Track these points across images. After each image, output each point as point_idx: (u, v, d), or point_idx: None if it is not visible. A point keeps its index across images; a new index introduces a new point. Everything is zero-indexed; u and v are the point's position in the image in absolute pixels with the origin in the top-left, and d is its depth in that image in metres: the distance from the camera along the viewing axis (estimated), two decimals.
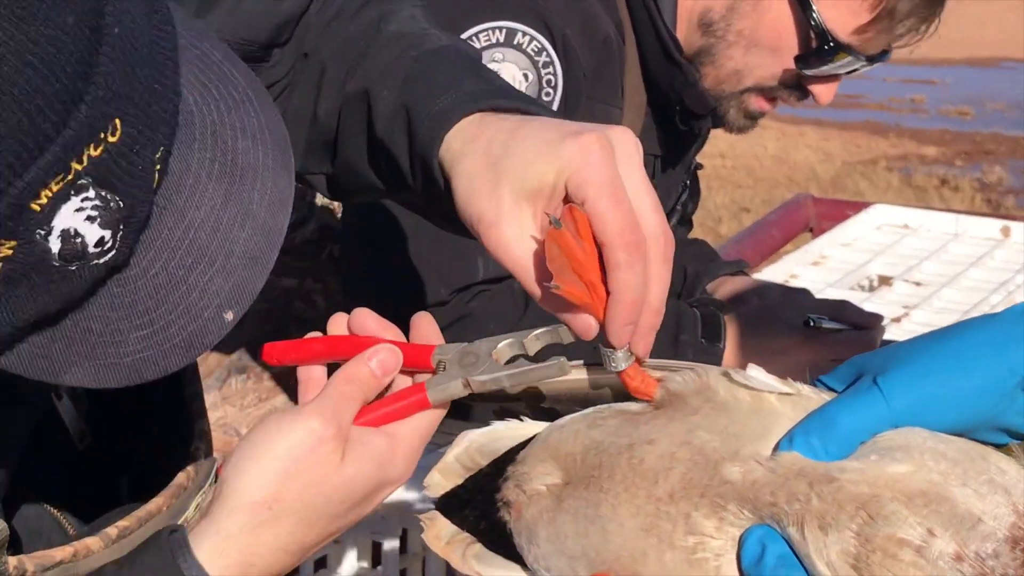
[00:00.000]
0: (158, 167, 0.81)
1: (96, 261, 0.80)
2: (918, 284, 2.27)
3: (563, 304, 0.98)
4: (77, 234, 0.77)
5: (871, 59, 1.76)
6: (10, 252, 0.76)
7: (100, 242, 0.79)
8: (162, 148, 0.81)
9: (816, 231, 2.60)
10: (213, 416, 1.82)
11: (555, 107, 1.65)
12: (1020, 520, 0.89)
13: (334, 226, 2.03)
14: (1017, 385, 0.94)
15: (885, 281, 2.28)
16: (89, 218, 0.78)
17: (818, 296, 1.97)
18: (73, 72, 0.74)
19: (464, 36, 1.59)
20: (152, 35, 0.80)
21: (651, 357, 1.03)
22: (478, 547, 1.09)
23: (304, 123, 1.24)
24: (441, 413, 1.02)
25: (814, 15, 1.69)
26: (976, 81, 11.43)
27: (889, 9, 1.70)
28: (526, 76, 1.60)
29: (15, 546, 1.00)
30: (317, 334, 1.04)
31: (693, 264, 1.96)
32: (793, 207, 2.80)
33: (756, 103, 1.80)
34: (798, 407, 0.98)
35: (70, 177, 0.75)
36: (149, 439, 1.16)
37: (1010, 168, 8.48)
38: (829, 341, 1.72)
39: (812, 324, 1.76)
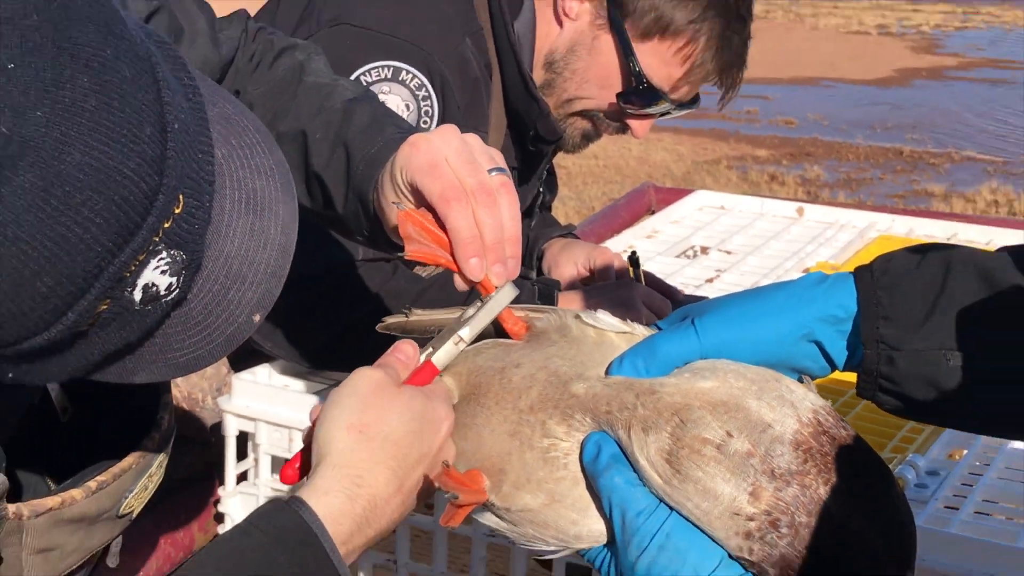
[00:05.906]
0: (205, 218, 0.92)
1: (166, 299, 0.91)
2: (729, 252, 2.44)
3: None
4: (153, 285, 0.88)
5: (682, 105, 1.96)
6: (106, 307, 0.86)
7: (169, 287, 0.90)
8: (208, 204, 0.92)
9: (656, 213, 2.76)
10: (177, 388, 1.85)
11: None
12: (802, 428, 0.98)
13: None
14: (803, 336, 1.03)
15: (704, 250, 2.46)
16: (162, 272, 0.88)
17: (649, 262, 2.23)
18: (152, 172, 0.84)
19: (359, 70, 1.76)
20: (192, 116, 0.90)
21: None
22: None
23: None
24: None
25: (635, 63, 1.89)
26: (800, 97, 12.09)
27: (696, 66, 1.90)
28: (407, 106, 1.77)
29: (12, 497, 1.09)
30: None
31: (534, 230, 2.17)
32: (638, 194, 2.98)
33: (586, 126, 2.00)
34: (631, 342, 1.07)
35: (150, 248, 0.86)
36: (121, 410, 1.24)
37: (826, 167, 9.10)
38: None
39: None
